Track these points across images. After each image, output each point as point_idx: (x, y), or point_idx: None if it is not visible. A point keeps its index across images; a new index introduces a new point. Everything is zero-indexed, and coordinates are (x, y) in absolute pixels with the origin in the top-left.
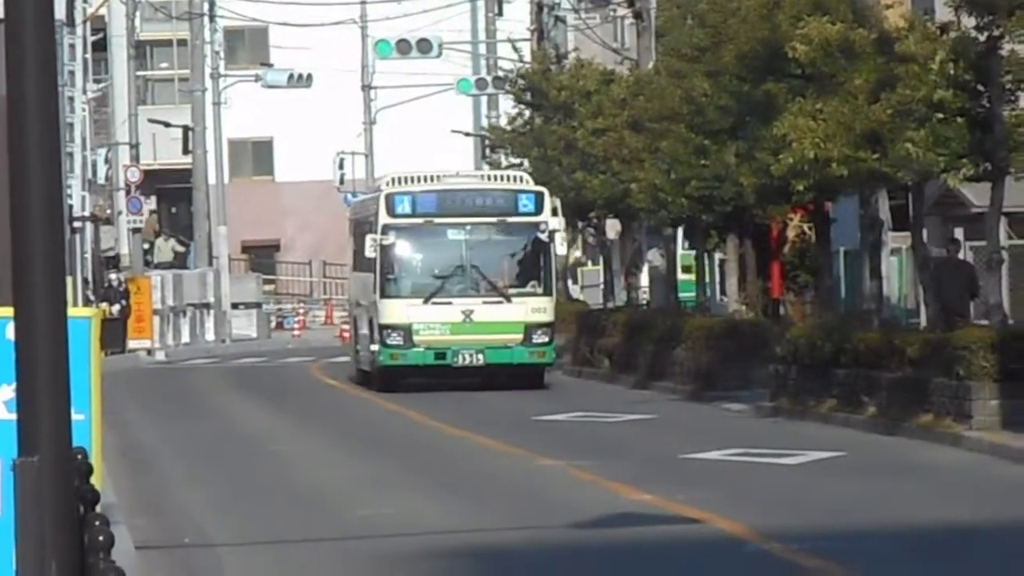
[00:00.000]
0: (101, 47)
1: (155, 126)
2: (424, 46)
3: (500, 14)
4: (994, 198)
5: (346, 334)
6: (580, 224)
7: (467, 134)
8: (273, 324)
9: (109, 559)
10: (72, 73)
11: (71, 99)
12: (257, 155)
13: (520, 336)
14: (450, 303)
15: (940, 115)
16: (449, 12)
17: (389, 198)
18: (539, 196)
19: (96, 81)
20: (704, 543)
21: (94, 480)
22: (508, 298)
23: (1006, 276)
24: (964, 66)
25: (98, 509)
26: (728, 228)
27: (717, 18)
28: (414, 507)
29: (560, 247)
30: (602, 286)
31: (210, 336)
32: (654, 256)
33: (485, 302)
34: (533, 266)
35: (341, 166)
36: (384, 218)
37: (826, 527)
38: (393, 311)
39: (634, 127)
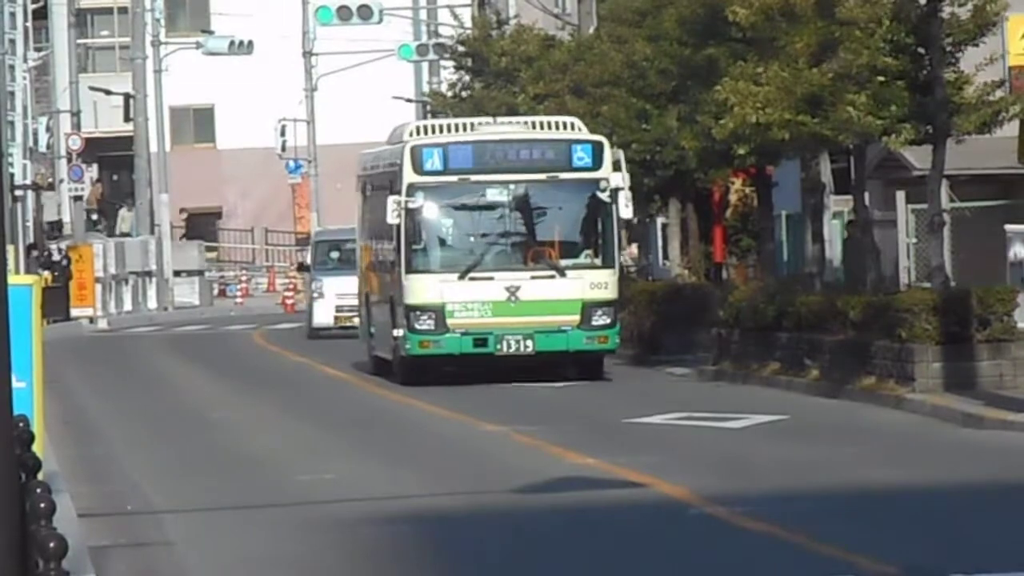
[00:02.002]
0: (42, 15)
1: (96, 94)
2: (365, 12)
3: None
4: (935, 161)
5: (288, 301)
6: None
7: (408, 100)
8: (215, 292)
9: (51, 526)
10: (12, 41)
11: (11, 67)
12: (198, 122)
13: (577, 317)
14: (491, 279)
15: (881, 78)
16: None
17: (416, 152)
18: (597, 147)
19: (37, 49)
20: (647, 507)
21: (36, 448)
22: (562, 272)
23: (948, 239)
24: (905, 29)
25: (40, 477)
26: (670, 192)
27: None
28: (355, 471)
29: (625, 209)
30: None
31: (152, 304)
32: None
33: (534, 277)
34: (592, 232)
35: (283, 133)
36: (410, 176)
37: (769, 490)
38: (422, 289)
39: (575, 92)
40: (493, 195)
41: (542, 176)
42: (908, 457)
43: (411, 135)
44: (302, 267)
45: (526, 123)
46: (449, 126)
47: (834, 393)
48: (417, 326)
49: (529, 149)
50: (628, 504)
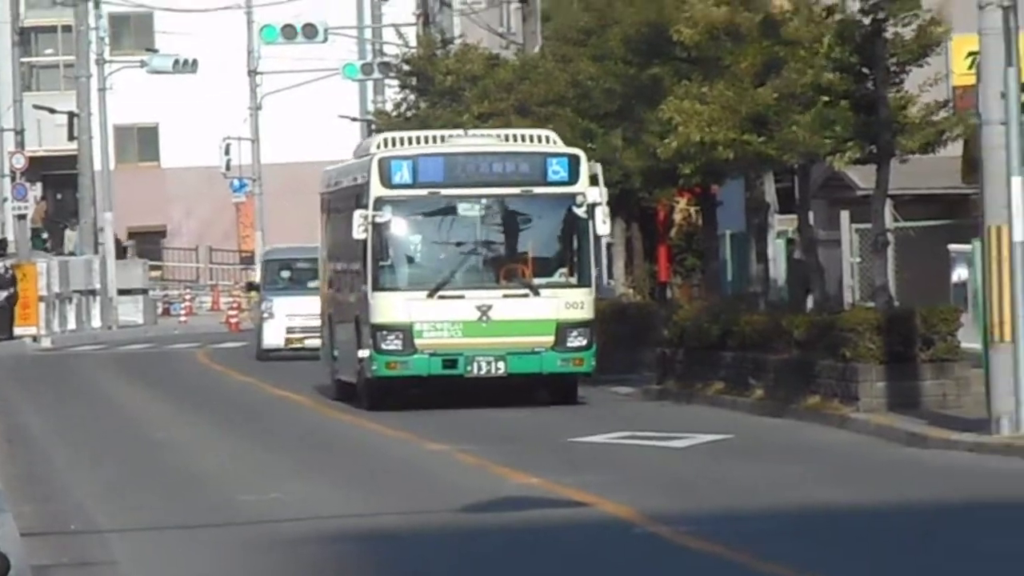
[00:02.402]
0: None
1: (40, 112)
2: (309, 31)
3: None
4: (879, 180)
5: (233, 320)
6: None
7: (353, 119)
8: (160, 310)
9: None
10: None
11: None
12: (143, 141)
13: (551, 338)
14: (462, 297)
15: (826, 98)
16: None
17: (384, 164)
18: (573, 160)
19: None
20: (592, 526)
21: None
22: (535, 290)
23: (892, 258)
24: (849, 49)
25: None
26: (615, 211)
27: (602, 1)
28: (300, 491)
29: (602, 225)
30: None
31: (96, 323)
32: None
33: (506, 295)
34: (567, 249)
35: (227, 152)
36: (377, 189)
37: (714, 509)
38: (389, 308)
39: (521, 111)
40: (464, 210)
41: (515, 190)
42: (853, 476)
43: (379, 147)
44: (251, 286)
45: (499, 135)
46: (419, 138)
47: (779, 412)
48: (383, 346)
49: (502, 162)
50: (572, 523)
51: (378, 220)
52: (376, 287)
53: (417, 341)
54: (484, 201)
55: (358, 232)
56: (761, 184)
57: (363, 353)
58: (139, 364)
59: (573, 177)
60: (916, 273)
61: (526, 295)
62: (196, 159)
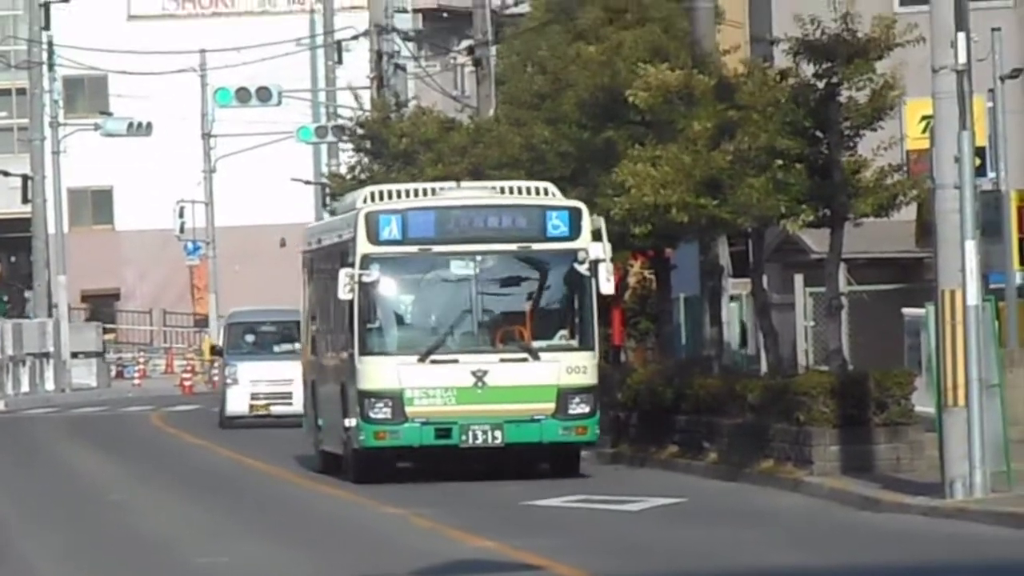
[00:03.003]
0: None
1: None
2: (263, 94)
3: (340, 62)
4: (833, 244)
5: (187, 383)
6: None
7: (307, 182)
8: (113, 373)
9: None
10: None
11: None
12: (97, 204)
13: (552, 405)
14: (456, 361)
15: (780, 161)
16: (289, 60)
17: (371, 219)
18: (575, 214)
19: None
20: None
21: None
22: (535, 354)
23: (846, 322)
24: (803, 113)
25: None
26: None
27: (557, 65)
28: (252, 554)
29: (606, 283)
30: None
31: (50, 385)
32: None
33: (503, 360)
34: (568, 310)
35: (181, 214)
36: (364, 246)
37: (667, 573)
38: (378, 373)
39: (475, 174)
40: (458, 268)
41: (513, 246)
42: (806, 541)
43: (365, 201)
44: (215, 351)
45: (494, 187)
46: (408, 191)
47: (732, 476)
48: (372, 415)
49: (498, 216)
50: None
51: (365, 279)
52: (364, 351)
53: (408, 409)
54: (479, 258)
55: (344, 292)
56: (715, 247)
57: (350, 422)
58: (93, 427)
59: (574, 232)
60: (870, 337)
61: (525, 359)
62: (150, 222)
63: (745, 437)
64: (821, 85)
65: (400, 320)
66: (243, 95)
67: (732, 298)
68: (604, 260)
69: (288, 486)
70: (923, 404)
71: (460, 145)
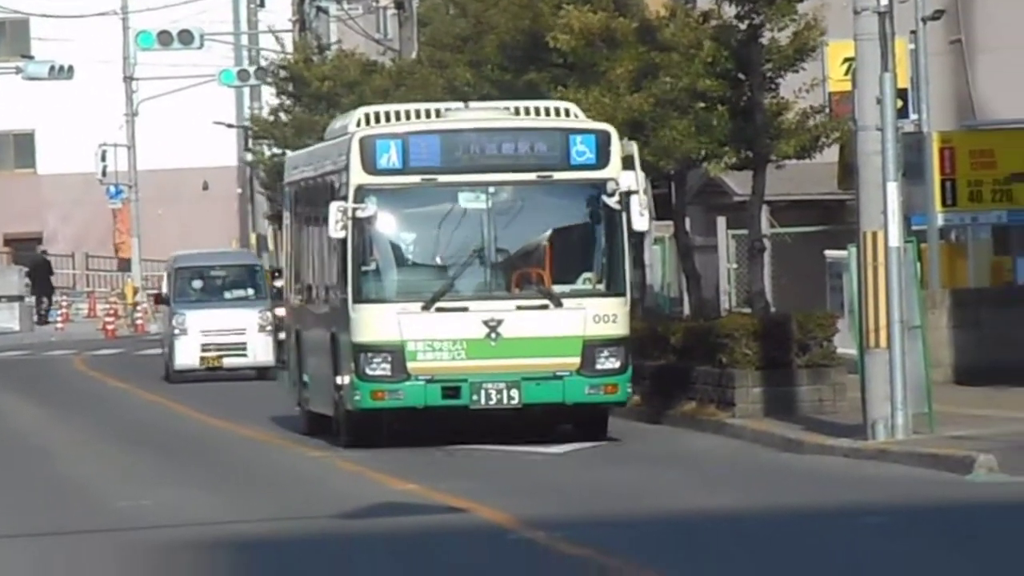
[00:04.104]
0: None
1: None
2: (186, 37)
3: (262, 5)
4: (756, 186)
5: (110, 327)
6: None
7: (230, 126)
8: (36, 317)
9: None
10: None
11: None
12: (19, 147)
13: (576, 360)
14: (465, 309)
15: (702, 104)
16: (211, 3)
17: (367, 145)
18: (603, 138)
19: None
20: (467, 531)
21: None
22: (557, 300)
23: (768, 264)
24: (725, 54)
25: None
26: None
27: (479, 8)
28: (175, 497)
29: (639, 218)
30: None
31: None
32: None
33: (520, 307)
34: (595, 249)
35: (103, 158)
36: (359, 175)
37: (589, 515)
38: (375, 323)
39: None
40: (467, 201)
41: (531, 176)
42: (728, 482)
43: (359, 124)
44: (160, 299)
45: (507, 108)
46: (408, 112)
47: (655, 418)
48: (369, 371)
49: (514, 141)
50: (448, 529)
51: (360, 214)
52: (359, 298)
53: (410, 365)
54: (492, 189)
55: (335, 230)
56: None
57: (342, 380)
58: (15, 370)
59: (602, 159)
60: (793, 279)
61: (545, 306)
62: (72, 165)
63: (668, 379)
64: (743, 26)
65: (401, 261)
66: (165, 38)
67: (655, 240)
68: (637, 191)
69: (204, 427)
70: (845, 346)
71: (382, 88)
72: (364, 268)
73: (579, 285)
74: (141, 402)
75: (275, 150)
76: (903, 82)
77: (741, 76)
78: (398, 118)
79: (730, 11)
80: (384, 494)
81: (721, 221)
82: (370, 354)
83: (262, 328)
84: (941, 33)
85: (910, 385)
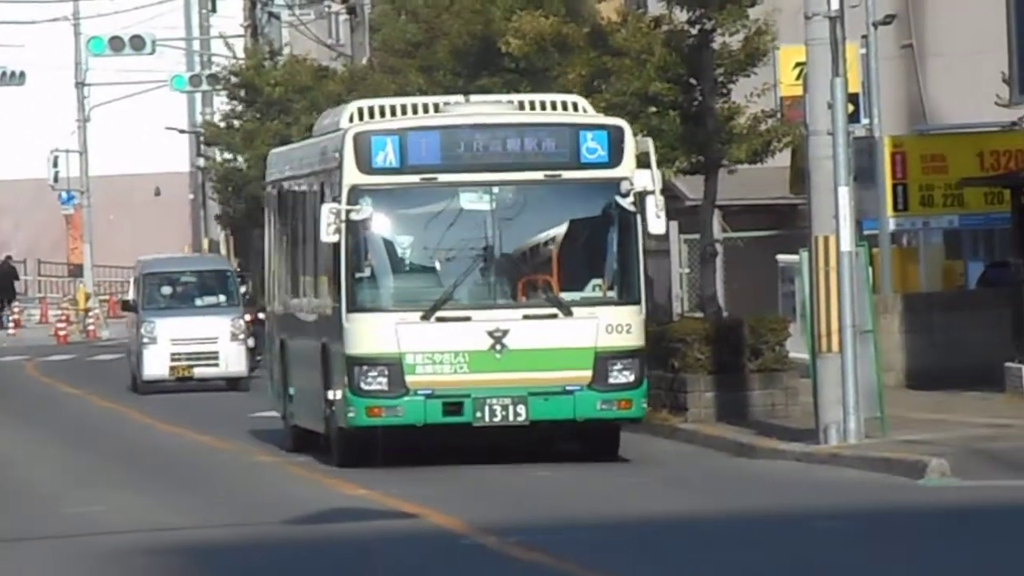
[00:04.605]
0: None
1: None
2: (137, 43)
3: (214, 10)
4: (708, 191)
5: (61, 333)
6: None
7: (181, 131)
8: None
9: None
10: None
11: None
12: None
13: (588, 373)
14: (468, 319)
15: (653, 108)
16: (163, 8)
17: (362, 141)
18: (615, 134)
19: None
20: (420, 537)
21: None
22: (566, 309)
23: (721, 269)
24: (677, 60)
25: None
26: None
27: (430, 13)
28: (126, 503)
29: (655, 221)
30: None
31: None
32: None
33: (527, 316)
34: (607, 254)
35: (55, 164)
36: (353, 175)
37: (541, 520)
38: (371, 334)
39: None
40: (470, 202)
41: (538, 175)
42: (681, 487)
43: (351, 119)
44: (127, 306)
45: (510, 101)
46: (404, 106)
47: None
48: (364, 386)
49: (520, 137)
50: (401, 535)
51: (355, 216)
52: (353, 307)
53: (409, 379)
54: (496, 190)
55: (327, 233)
56: None
57: (334, 395)
58: None
59: (615, 156)
60: (745, 283)
61: (554, 316)
62: (25, 171)
63: None
64: (694, 31)
65: (398, 267)
66: (117, 44)
67: None
68: (653, 192)
69: (156, 432)
70: (797, 350)
71: (334, 93)
72: (358, 275)
73: (590, 293)
74: (96, 409)
75: (226, 156)
76: (854, 87)
77: (692, 81)
78: (393, 113)
79: (681, 16)
80: (335, 500)
81: (673, 226)
82: (365, 367)
83: (234, 337)
84: (892, 38)
85: (862, 389)
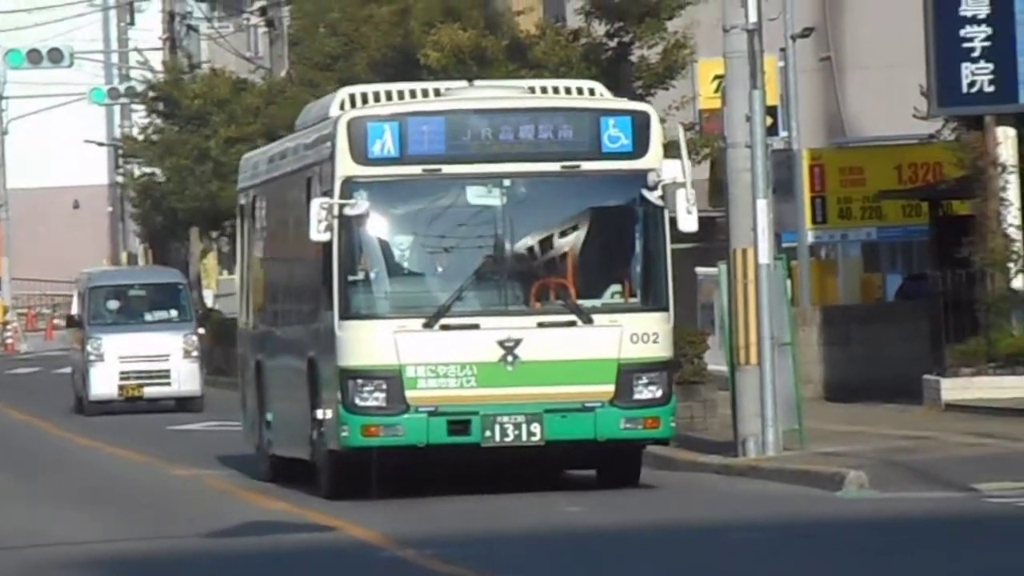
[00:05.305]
0: None
1: None
2: (55, 56)
3: (132, 23)
4: None
5: None
6: (214, 234)
7: (100, 144)
8: None
9: None
10: None
11: None
12: None
13: (609, 388)
14: (476, 327)
15: None
16: (81, 21)
17: (356, 128)
18: (640, 121)
19: None
20: (338, 550)
21: None
22: (586, 316)
23: None
24: (595, 72)
25: None
26: None
27: (349, 26)
28: (42, 518)
29: (686, 217)
30: (239, 294)
31: None
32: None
33: (542, 324)
34: (631, 255)
35: None
36: (347, 166)
37: (459, 533)
38: (366, 344)
39: (268, 135)
40: (478, 196)
41: (555, 166)
42: (599, 499)
43: (343, 107)
44: (72, 321)
45: (519, 86)
46: (402, 91)
47: None
48: (359, 402)
49: (534, 124)
50: (319, 547)
51: (349, 212)
52: (347, 313)
53: (410, 394)
54: (508, 183)
55: (318, 231)
56: None
57: (323, 413)
58: None
59: (640, 146)
60: None
61: (572, 324)
62: None
63: None
64: (613, 44)
65: (397, 269)
66: (34, 56)
67: None
68: (684, 184)
69: (72, 446)
70: (716, 363)
71: (253, 105)
72: (353, 277)
73: (612, 298)
74: (11, 421)
75: (145, 169)
76: (773, 99)
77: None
78: (389, 98)
79: (600, 29)
80: (254, 513)
81: None
82: (360, 381)
83: (187, 354)
84: (811, 50)
85: (780, 402)
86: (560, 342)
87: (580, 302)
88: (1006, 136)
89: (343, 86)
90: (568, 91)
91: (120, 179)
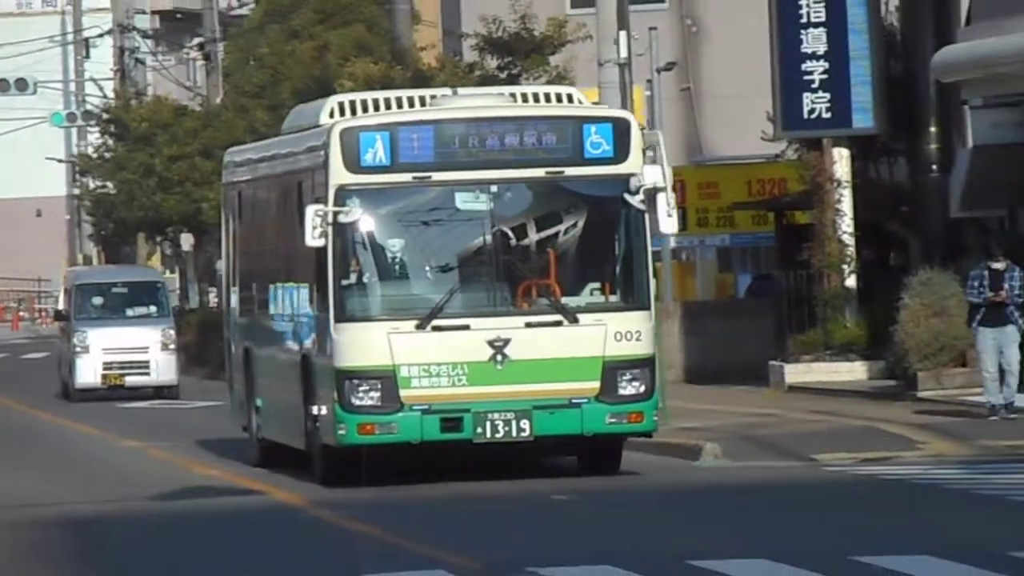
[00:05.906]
0: None
1: None
2: (21, 84)
3: (88, 56)
4: None
5: None
6: (158, 238)
7: (60, 161)
8: None
9: None
10: None
11: None
12: None
13: (595, 384)
14: (466, 327)
15: None
16: (44, 55)
17: (349, 138)
18: (620, 127)
19: None
20: (262, 511)
21: None
22: (571, 316)
23: None
24: None
25: None
26: None
27: (275, 59)
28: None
29: (667, 220)
30: (178, 291)
31: None
32: (222, 264)
33: (530, 324)
34: (614, 256)
35: None
36: (341, 175)
37: (375, 497)
38: (362, 345)
39: (205, 154)
40: (467, 202)
41: (540, 173)
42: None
43: (332, 115)
44: (59, 316)
45: (501, 93)
46: (389, 100)
47: None
48: (355, 401)
49: (519, 132)
50: (246, 509)
51: (342, 219)
52: (342, 316)
53: (404, 393)
54: (495, 189)
55: (313, 237)
56: None
57: (320, 410)
58: None
59: (621, 151)
60: None
61: (558, 323)
62: None
63: None
64: (503, 76)
65: (390, 273)
66: (3, 85)
67: None
68: (664, 188)
69: (31, 418)
70: None
71: (192, 128)
72: (347, 282)
73: (596, 298)
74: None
75: (99, 183)
76: (641, 123)
77: None
78: (377, 107)
79: (492, 63)
80: (191, 479)
81: None
82: (356, 381)
83: (165, 346)
84: (673, 82)
85: None
86: (547, 341)
87: (566, 302)
88: (841, 156)
89: (271, 111)
90: (548, 97)
91: (77, 191)
